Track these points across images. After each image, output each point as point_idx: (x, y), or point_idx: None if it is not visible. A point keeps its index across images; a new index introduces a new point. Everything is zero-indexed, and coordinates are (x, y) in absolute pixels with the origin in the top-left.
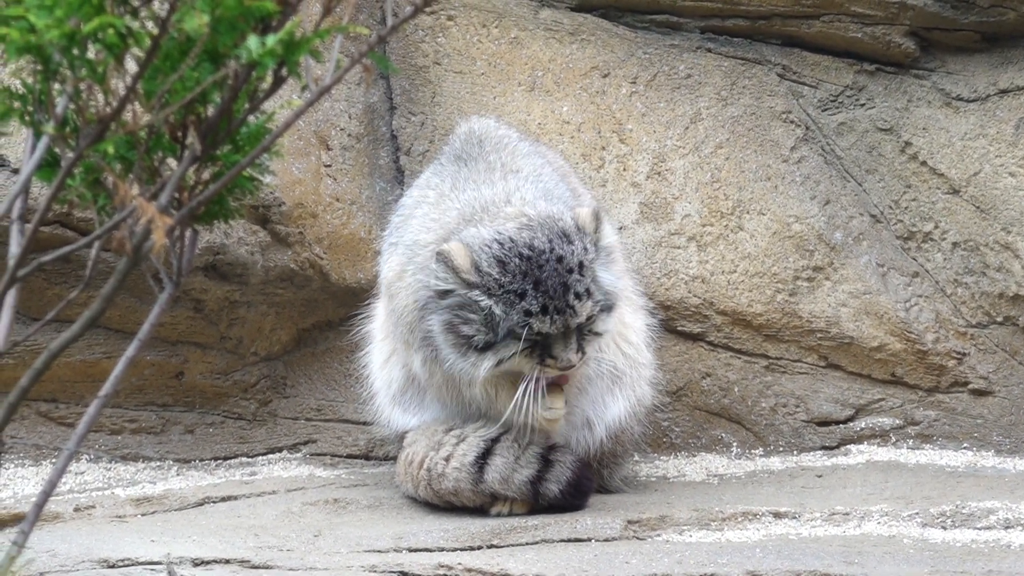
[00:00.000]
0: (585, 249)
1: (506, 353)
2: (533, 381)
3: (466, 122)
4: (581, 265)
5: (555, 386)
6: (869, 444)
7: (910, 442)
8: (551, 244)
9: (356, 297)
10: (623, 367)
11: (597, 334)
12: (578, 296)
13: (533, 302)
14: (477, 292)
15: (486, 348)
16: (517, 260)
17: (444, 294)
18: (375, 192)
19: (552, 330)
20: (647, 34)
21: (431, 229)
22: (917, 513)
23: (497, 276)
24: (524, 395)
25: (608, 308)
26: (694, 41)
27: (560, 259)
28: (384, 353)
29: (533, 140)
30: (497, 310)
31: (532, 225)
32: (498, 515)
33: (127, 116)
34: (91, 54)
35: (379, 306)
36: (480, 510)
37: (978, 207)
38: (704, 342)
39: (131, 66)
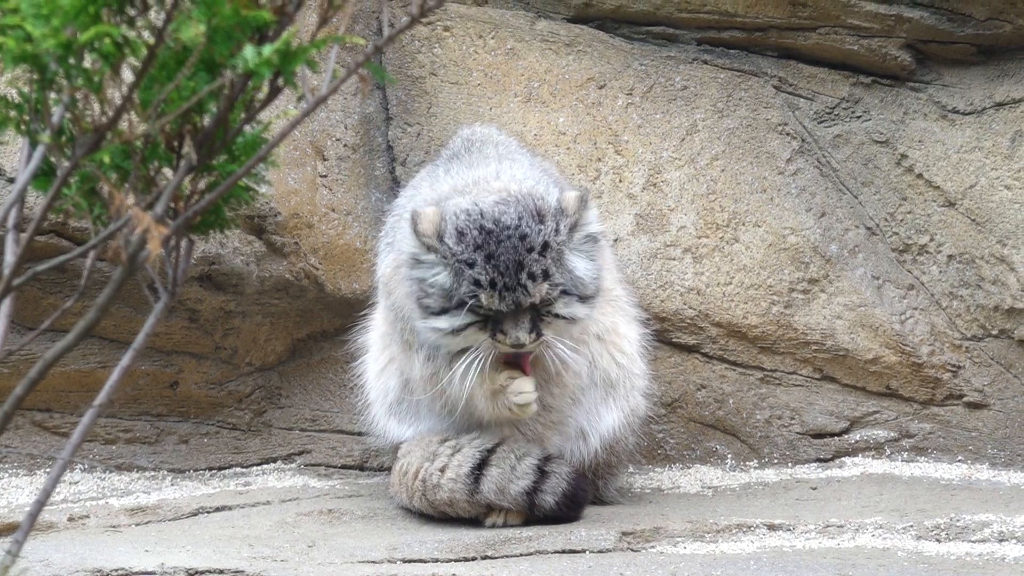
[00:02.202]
0: (556, 231)
1: (456, 322)
2: (481, 353)
3: (467, 128)
4: (545, 245)
5: (520, 370)
6: (864, 456)
7: (905, 455)
8: (519, 220)
9: (351, 307)
10: (616, 377)
11: (559, 317)
12: (532, 276)
13: (482, 275)
14: (433, 257)
15: (441, 313)
16: (476, 232)
17: (412, 258)
18: (371, 203)
19: (502, 307)
20: (643, 46)
21: (425, 200)
22: (911, 526)
23: (453, 245)
24: (468, 364)
25: (576, 294)
26: (690, 53)
27: (523, 237)
28: (380, 363)
29: (533, 152)
30: (448, 278)
31: (508, 200)
32: (492, 526)
33: (123, 125)
34: (87, 63)
35: (376, 316)
36: (474, 521)
37: (974, 220)
38: (699, 354)
39: (127, 75)
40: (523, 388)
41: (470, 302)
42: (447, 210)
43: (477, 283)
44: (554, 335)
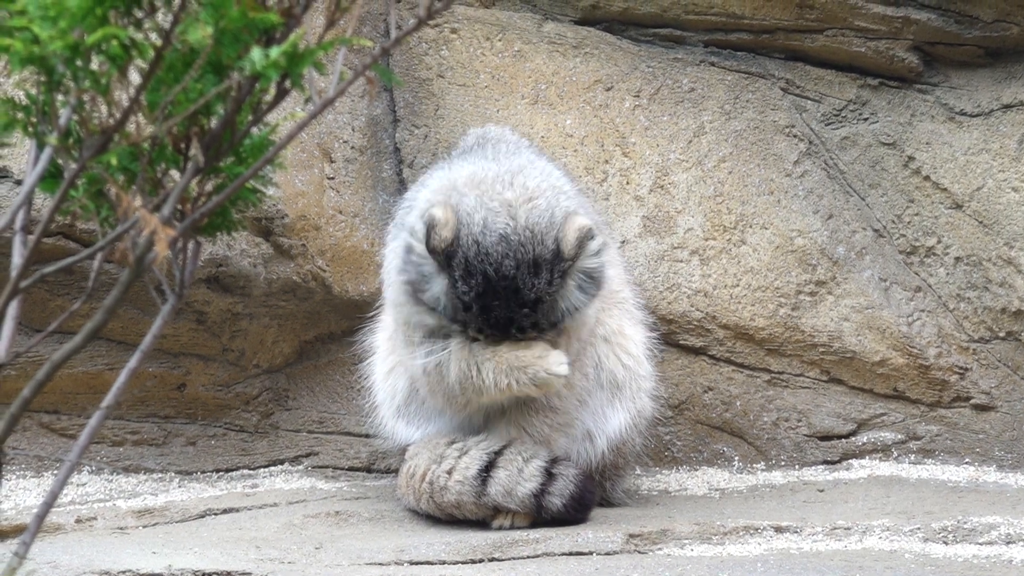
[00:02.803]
0: (550, 282)
1: (440, 321)
2: (455, 346)
3: (480, 128)
4: (537, 302)
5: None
6: (871, 459)
7: (912, 457)
8: (516, 271)
9: (358, 309)
10: (623, 379)
11: (543, 332)
12: (521, 329)
13: (475, 321)
14: (437, 276)
15: (432, 310)
16: (480, 279)
17: (410, 249)
18: (378, 205)
19: (484, 337)
20: (651, 48)
21: (440, 187)
22: (919, 528)
23: (458, 278)
24: (446, 356)
25: (559, 322)
26: (697, 55)
27: (516, 291)
28: (388, 364)
29: (543, 154)
30: (444, 300)
31: (512, 241)
32: (500, 528)
33: (130, 127)
34: (95, 65)
35: (383, 318)
36: (482, 523)
37: (981, 222)
38: (706, 356)
39: (135, 77)
40: (562, 359)
41: (457, 327)
42: (462, 223)
43: (465, 324)
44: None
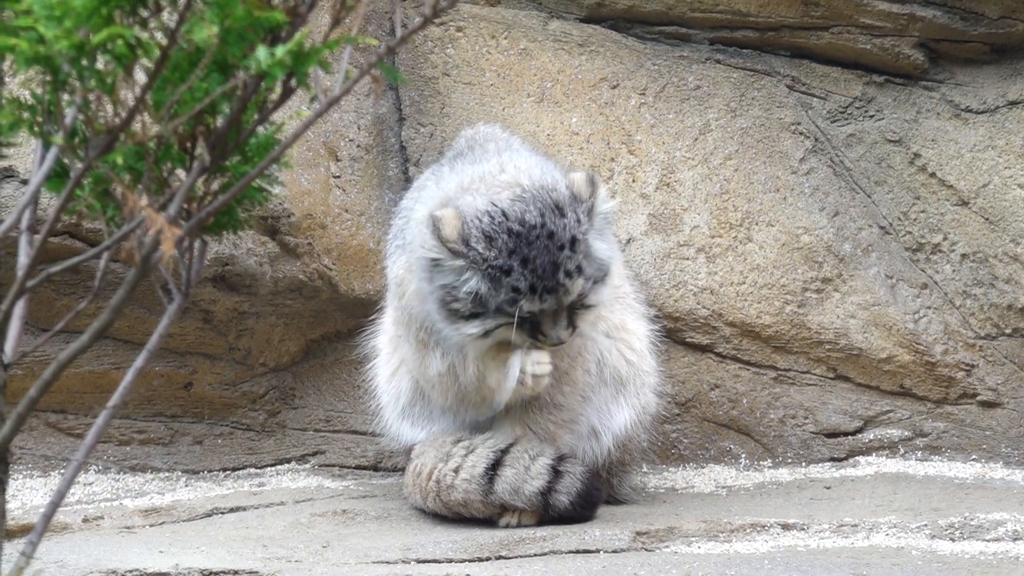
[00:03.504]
0: (578, 221)
1: (489, 325)
2: (523, 354)
3: (470, 128)
4: (574, 240)
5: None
6: (878, 456)
7: (919, 454)
8: (543, 218)
9: (365, 308)
10: (627, 374)
11: (589, 307)
12: (568, 274)
13: (521, 281)
14: (462, 263)
15: (473, 317)
16: (506, 236)
17: (434, 263)
18: (384, 203)
19: (543, 308)
20: (656, 45)
21: (432, 200)
22: (925, 525)
23: (483, 251)
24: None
25: (601, 279)
26: (703, 52)
27: (551, 235)
28: (392, 366)
29: (537, 150)
30: (484, 286)
31: (525, 197)
32: (507, 526)
33: (136, 127)
34: (100, 65)
35: (384, 320)
36: (488, 521)
37: (987, 219)
38: (713, 353)
39: (140, 77)
40: (541, 359)
41: (513, 310)
42: (465, 212)
43: (517, 290)
44: (584, 324)
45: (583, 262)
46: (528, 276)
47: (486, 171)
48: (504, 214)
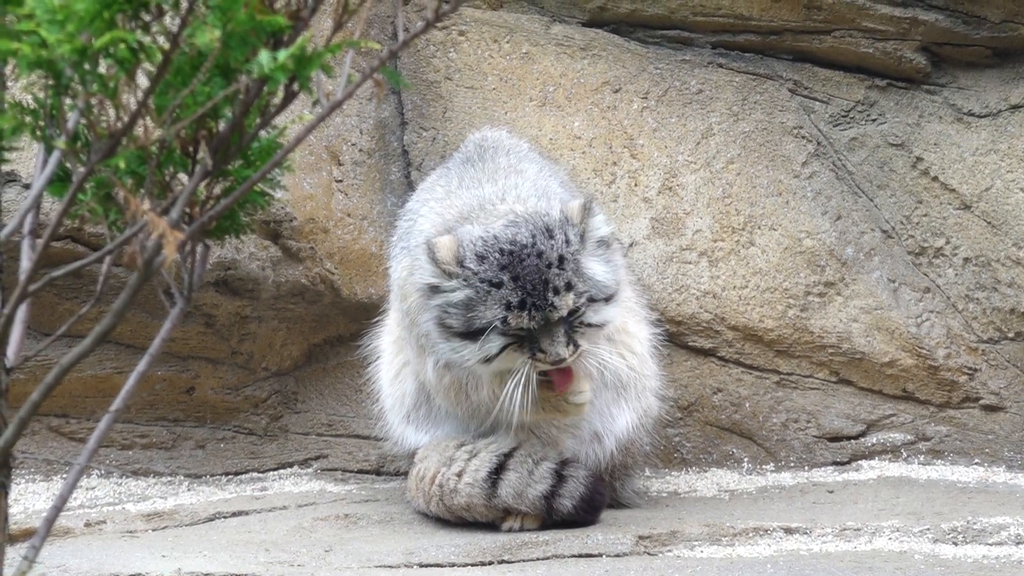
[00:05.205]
0: (567, 242)
1: (491, 347)
2: (524, 375)
3: (478, 131)
4: (562, 259)
5: (568, 372)
6: (880, 460)
7: (921, 458)
8: (533, 239)
9: (367, 312)
10: (628, 378)
11: (591, 325)
12: (556, 291)
13: (511, 296)
14: (455, 283)
15: (470, 338)
16: (497, 255)
17: (432, 288)
18: (386, 207)
19: (532, 325)
20: (658, 49)
21: (435, 224)
22: (928, 529)
23: (475, 269)
24: (514, 387)
25: (601, 299)
26: (705, 56)
27: (540, 254)
28: (394, 368)
29: (543, 154)
30: (475, 302)
31: (518, 221)
32: (509, 530)
33: (138, 131)
34: (102, 69)
35: (388, 322)
36: (491, 525)
37: (989, 223)
38: (715, 357)
39: (143, 81)
40: (581, 388)
41: (498, 324)
42: (462, 239)
43: (507, 305)
44: (589, 343)
45: (573, 279)
46: (518, 292)
47: (487, 198)
48: (496, 237)
